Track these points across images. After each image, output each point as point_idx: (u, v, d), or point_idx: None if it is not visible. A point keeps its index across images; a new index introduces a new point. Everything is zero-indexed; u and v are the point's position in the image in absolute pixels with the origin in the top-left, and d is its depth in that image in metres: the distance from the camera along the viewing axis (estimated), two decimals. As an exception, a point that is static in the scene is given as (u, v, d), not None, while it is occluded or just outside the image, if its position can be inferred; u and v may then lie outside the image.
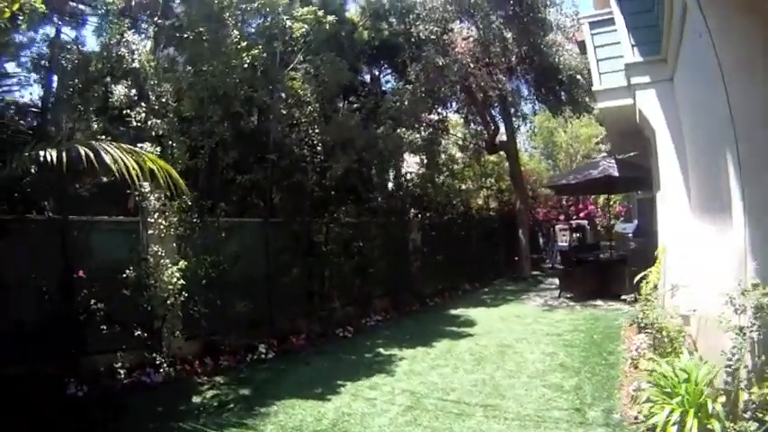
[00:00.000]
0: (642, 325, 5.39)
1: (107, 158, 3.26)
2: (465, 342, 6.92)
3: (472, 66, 10.66)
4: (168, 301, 5.38)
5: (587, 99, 11.73)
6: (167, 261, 5.48)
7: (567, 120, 12.66)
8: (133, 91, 5.34)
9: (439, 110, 13.40)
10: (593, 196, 16.38)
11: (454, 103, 13.43)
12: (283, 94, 6.87)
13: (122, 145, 3.63)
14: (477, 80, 10.84)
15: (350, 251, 8.34)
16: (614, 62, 7.39)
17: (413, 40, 10.26)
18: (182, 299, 5.50)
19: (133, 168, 3.40)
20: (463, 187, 12.63)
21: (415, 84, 9.98)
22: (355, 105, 8.95)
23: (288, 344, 6.82)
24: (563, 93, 11.84)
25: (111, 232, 5.58)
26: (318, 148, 7.47)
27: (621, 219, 16.04)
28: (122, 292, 5.12)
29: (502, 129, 13.12)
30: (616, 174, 8.36)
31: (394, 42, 9.82)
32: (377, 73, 10.68)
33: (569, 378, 5.14)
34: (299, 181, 7.42)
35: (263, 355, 6.33)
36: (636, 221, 11.51)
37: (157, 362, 5.26)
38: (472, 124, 14.13)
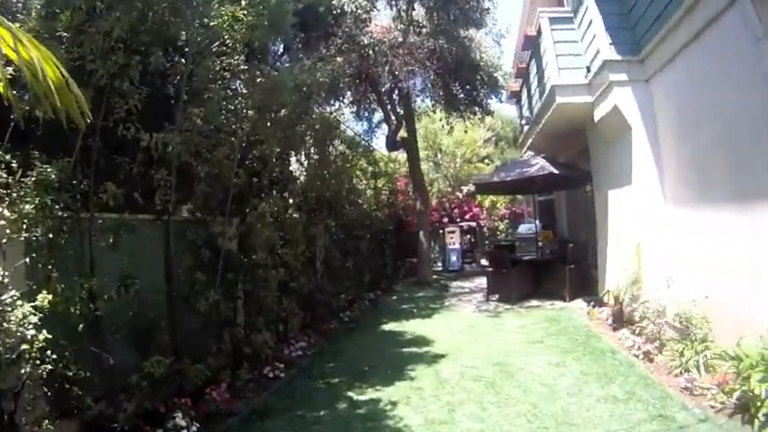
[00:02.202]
0: (644, 318, 5.42)
1: None
2: (447, 366, 5.48)
3: (389, 52, 9.31)
4: (23, 369, 2.68)
5: (490, 100, 11.47)
6: (14, 293, 2.75)
7: (466, 120, 12.15)
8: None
9: (330, 101, 11.73)
10: (478, 198, 16.53)
11: (349, 94, 11.83)
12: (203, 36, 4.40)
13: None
14: (391, 68, 9.51)
15: (275, 261, 6.14)
16: (573, 59, 7.13)
17: (334, 12, 8.42)
18: (47, 366, 2.82)
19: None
20: (357, 186, 11.04)
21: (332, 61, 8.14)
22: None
23: (208, 401, 4.43)
24: (463, 92, 11.29)
25: None
26: (249, 113, 5.17)
27: (506, 221, 16.53)
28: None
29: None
30: (556, 171, 7.89)
31: (315, 12, 7.81)
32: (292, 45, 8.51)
33: (608, 386, 4.45)
34: (218, 161, 5.01)
35: (183, 430, 3.89)
36: (537, 222, 11.65)
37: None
38: (364, 121, 12.78)
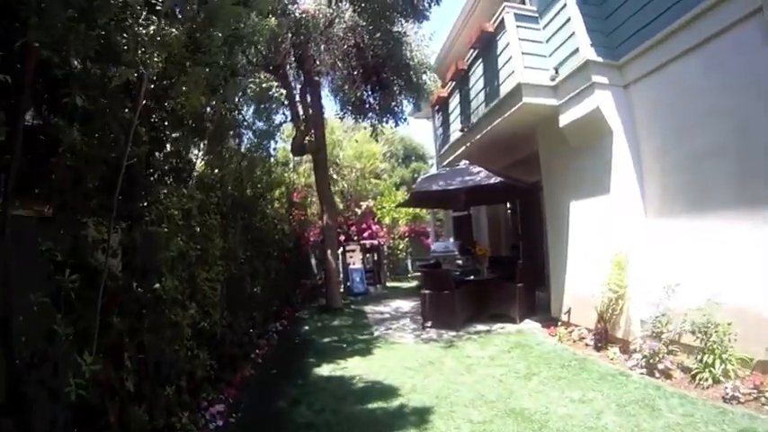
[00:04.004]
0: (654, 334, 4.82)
1: None
2: (449, 427, 3.85)
3: (316, 36, 7.58)
4: None
5: (409, 107, 10.37)
6: None
7: (377, 129, 10.82)
8: None
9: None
10: (378, 215, 15.15)
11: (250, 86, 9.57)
12: None
13: None
14: (314, 57, 7.76)
15: (185, 290, 3.85)
16: (536, 59, 6.48)
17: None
18: None
19: None
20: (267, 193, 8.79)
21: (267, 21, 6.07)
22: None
23: None
24: (380, 97, 9.99)
25: None
26: (173, 33, 2.97)
27: (406, 238, 15.38)
28: None
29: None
30: (506, 181, 6.98)
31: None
32: None
33: (658, 414, 3.75)
34: (103, 123, 2.70)
35: None
36: (452, 240, 10.71)
37: None
38: (263, 120, 10.55)
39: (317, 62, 8.06)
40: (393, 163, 21.79)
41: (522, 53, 6.24)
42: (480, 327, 7.24)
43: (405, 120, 10.55)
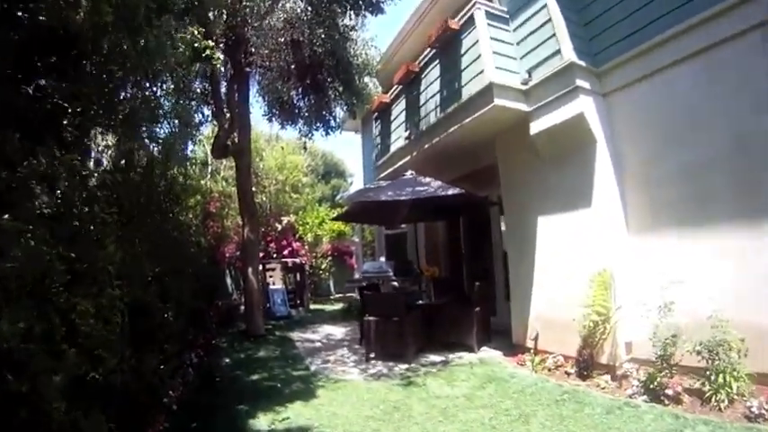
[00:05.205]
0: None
1: None
2: None
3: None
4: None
5: (344, 112, 9.23)
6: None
7: (307, 136, 9.48)
8: None
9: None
10: (300, 232, 13.43)
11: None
12: None
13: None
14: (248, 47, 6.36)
15: (54, 326, 2.24)
16: (506, 61, 5.77)
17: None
18: None
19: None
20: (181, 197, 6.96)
21: None
22: None
23: None
24: (314, 100, 8.77)
25: None
26: None
27: (329, 258, 13.78)
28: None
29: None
30: (464, 193, 6.16)
31: None
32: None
33: None
34: None
35: None
36: (383, 259, 9.53)
37: None
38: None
39: (253, 48, 6.65)
40: (313, 178, 20.32)
41: (494, 53, 5.57)
42: (434, 357, 6.19)
43: (338, 128, 9.40)
